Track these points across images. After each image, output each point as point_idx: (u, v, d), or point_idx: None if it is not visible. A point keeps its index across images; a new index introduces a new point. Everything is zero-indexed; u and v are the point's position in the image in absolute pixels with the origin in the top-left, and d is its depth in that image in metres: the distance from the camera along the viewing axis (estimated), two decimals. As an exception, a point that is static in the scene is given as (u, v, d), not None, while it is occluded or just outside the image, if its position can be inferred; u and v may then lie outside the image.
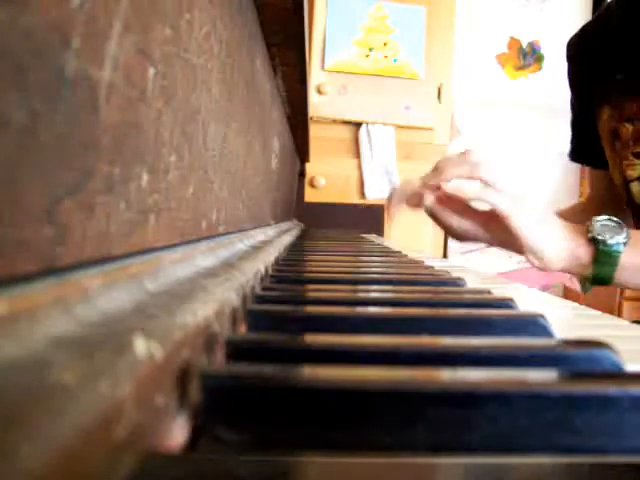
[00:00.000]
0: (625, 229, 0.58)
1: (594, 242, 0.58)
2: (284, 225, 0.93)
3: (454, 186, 0.60)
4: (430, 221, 0.68)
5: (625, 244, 0.57)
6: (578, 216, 0.93)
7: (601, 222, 0.58)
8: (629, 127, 0.79)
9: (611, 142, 0.83)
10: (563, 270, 0.61)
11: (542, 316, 0.24)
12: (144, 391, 0.11)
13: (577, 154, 1.01)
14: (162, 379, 0.13)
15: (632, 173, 0.80)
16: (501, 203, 0.57)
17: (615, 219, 0.59)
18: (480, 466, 0.12)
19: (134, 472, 0.10)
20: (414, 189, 0.62)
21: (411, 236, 1.77)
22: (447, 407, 0.14)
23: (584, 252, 0.58)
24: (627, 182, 0.82)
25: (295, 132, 1.07)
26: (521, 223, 0.57)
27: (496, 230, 0.60)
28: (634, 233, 0.59)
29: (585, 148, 0.98)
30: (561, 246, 0.59)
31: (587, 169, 1.04)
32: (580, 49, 0.93)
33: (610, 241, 0.57)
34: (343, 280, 0.39)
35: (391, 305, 0.30)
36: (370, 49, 1.84)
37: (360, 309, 0.27)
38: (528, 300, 0.43)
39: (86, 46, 0.14)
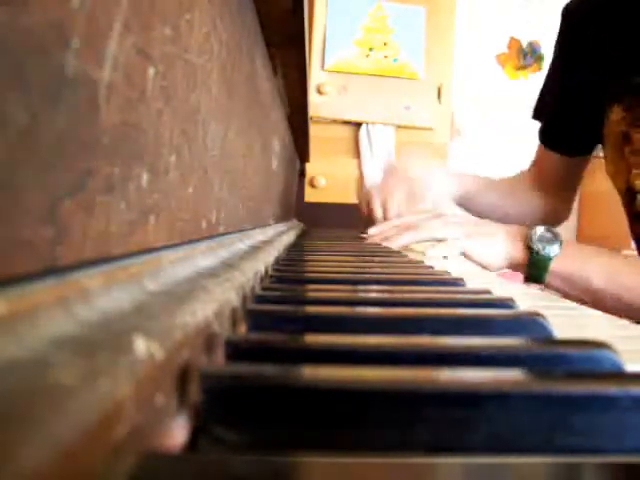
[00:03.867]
0: (559, 241, 0.69)
1: (530, 249, 0.70)
2: (284, 225, 0.93)
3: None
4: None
5: (556, 255, 0.69)
6: (520, 190, 1.01)
7: (539, 233, 0.70)
8: None
9: (620, 146, 0.80)
10: (502, 268, 0.74)
11: (542, 316, 0.24)
12: (144, 391, 0.11)
13: (552, 138, 0.96)
14: (162, 379, 0.13)
15: None
16: (439, 232, 0.74)
17: (553, 230, 0.70)
18: (480, 466, 0.12)
19: (134, 472, 0.10)
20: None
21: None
22: (447, 407, 0.14)
23: (520, 255, 0.71)
24: (633, 193, 0.80)
25: (295, 132, 1.07)
26: (464, 246, 0.72)
27: None
28: (567, 246, 0.69)
29: (562, 133, 0.94)
30: (499, 251, 0.72)
31: (540, 153, 0.99)
32: (585, 23, 0.85)
33: (543, 252, 0.69)
34: (343, 280, 0.39)
35: (391, 305, 0.30)
36: (370, 49, 1.84)
37: (360, 309, 0.27)
38: (528, 300, 0.43)
39: (86, 46, 0.14)
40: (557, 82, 0.95)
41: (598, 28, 0.83)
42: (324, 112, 1.79)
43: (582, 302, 0.71)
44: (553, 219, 1.03)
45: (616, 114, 0.80)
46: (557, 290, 0.72)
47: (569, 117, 0.92)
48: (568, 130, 0.94)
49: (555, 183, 1.00)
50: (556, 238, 0.70)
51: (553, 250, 0.69)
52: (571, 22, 0.90)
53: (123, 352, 0.11)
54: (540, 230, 0.70)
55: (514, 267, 0.73)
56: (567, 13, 0.92)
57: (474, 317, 0.25)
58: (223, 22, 0.32)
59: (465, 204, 1.01)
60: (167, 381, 0.13)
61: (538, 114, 1.00)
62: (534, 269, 0.70)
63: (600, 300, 0.69)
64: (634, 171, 0.79)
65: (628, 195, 0.82)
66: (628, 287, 0.67)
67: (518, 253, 0.71)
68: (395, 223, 0.84)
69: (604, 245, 0.83)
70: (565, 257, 0.69)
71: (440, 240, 0.74)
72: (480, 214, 1.02)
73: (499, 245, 0.72)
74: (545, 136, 0.98)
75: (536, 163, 1.02)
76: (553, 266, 0.69)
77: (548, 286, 0.72)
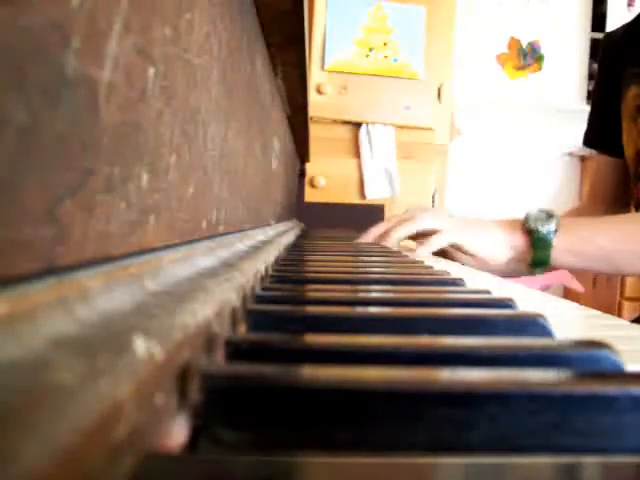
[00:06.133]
0: (555, 218, 0.70)
1: (529, 232, 0.70)
2: (284, 225, 0.93)
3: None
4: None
5: (556, 231, 0.70)
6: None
7: (534, 215, 0.71)
8: None
9: (633, 116, 0.88)
10: (509, 261, 0.74)
11: (542, 316, 0.24)
12: (144, 391, 0.11)
13: (593, 138, 1.03)
14: (162, 379, 0.13)
15: None
16: (438, 225, 0.73)
17: (545, 209, 0.71)
18: (480, 466, 0.12)
19: (134, 472, 0.10)
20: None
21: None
22: (447, 407, 0.14)
23: (521, 242, 0.71)
24: None
25: (295, 132, 1.07)
26: (458, 238, 0.72)
27: (450, 258, 0.76)
28: (564, 221, 0.71)
29: (603, 132, 1.00)
30: (500, 242, 0.72)
31: (592, 166, 1.06)
32: (619, 40, 0.97)
33: (542, 229, 0.70)
34: (343, 280, 0.39)
35: (391, 305, 0.30)
36: (370, 49, 1.84)
37: (360, 309, 0.27)
38: (528, 300, 0.43)
39: (86, 46, 0.14)
40: (597, 94, 1.03)
41: (625, 39, 0.95)
42: (324, 112, 1.79)
43: (599, 273, 0.74)
44: None
45: (632, 91, 0.89)
46: (568, 267, 0.73)
47: (606, 117, 0.98)
48: (608, 129, 0.98)
49: (611, 196, 1.02)
50: (551, 215, 0.71)
51: (551, 226, 0.70)
52: (608, 44, 1.01)
53: (123, 352, 0.11)
54: (533, 211, 0.72)
55: (518, 256, 0.73)
56: (605, 40, 1.03)
57: (474, 317, 0.25)
58: (223, 22, 0.32)
59: None
60: (167, 381, 0.13)
61: (588, 141, 1.06)
62: (539, 250, 0.70)
63: (615, 259, 0.70)
64: None
65: (637, 159, 0.88)
66: (636, 236, 0.69)
67: (519, 239, 0.72)
68: (386, 223, 0.83)
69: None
70: (566, 231, 0.70)
71: (431, 233, 0.74)
72: None
73: (498, 237, 0.72)
74: (595, 140, 1.03)
75: (592, 184, 1.06)
76: (557, 242, 0.70)
77: (558, 265, 0.72)
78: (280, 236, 0.65)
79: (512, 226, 0.73)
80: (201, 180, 0.29)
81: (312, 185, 1.79)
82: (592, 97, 1.07)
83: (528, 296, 0.45)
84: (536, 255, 0.70)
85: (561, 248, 0.70)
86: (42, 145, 0.12)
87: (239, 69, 0.40)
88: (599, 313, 0.37)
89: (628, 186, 1.01)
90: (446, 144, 1.91)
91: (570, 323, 0.35)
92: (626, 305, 2.05)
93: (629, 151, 0.90)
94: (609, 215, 1.00)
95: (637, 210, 0.90)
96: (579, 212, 1.05)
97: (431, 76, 1.86)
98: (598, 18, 2.50)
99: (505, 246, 0.72)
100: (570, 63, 2.50)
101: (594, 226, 0.72)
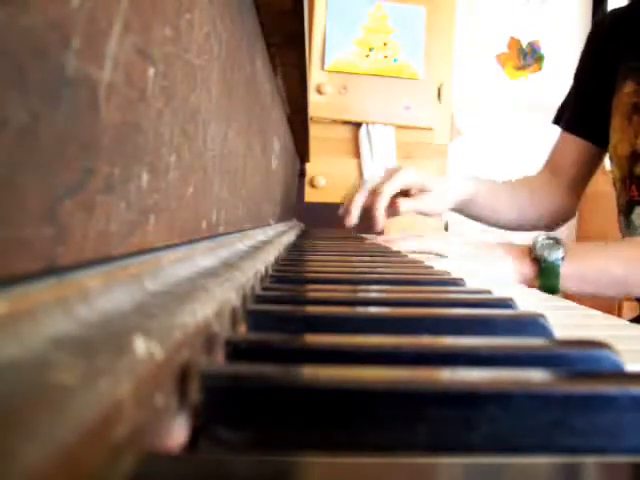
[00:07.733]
0: (562, 245, 0.70)
1: (536, 260, 0.70)
2: (284, 225, 0.93)
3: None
4: (430, 223, 0.86)
5: (563, 258, 0.69)
6: (536, 187, 1.03)
7: (541, 242, 0.71)
8: None
9: (629, 115, 0.87)
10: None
11: (542, 316, 0.24)
12: (144, 391, 0.11)
13: (572, 122, 1.03)
14: (162, 379, 0.13)
15: None
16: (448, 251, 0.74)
17: (553, 236, 0.71)
18: (480, 466, 0.12)
19: (134, 472, 0.10)
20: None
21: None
22: (447, 407, 0.14)
23: (529, 269, 0.71)
24: (638, 155, 0.87)
25: (295, 132, 1.07)
26: (463, 264, 0.71)
27: None
28: (571, 247, 0.71)
29: (587, 120, 1.00)
30: (508, 271, 0.71)
31: (562, 142, 1.05)
32: (610, 27, 0.96)
33: (550, 258, 0.69)
34: (343, 280, 0.39)
35: (391, 305, 0.30)
36: (370, 49, 1.84)
37: (360, 309, 0.27)
38: (528, 300, 0.43)
39: (86, 46, 0.14)
40: (582, 76, 1.02)
41: (619, 28, 0.94)
42: (324, 112, 1.79)
43: (606, 298, 0.73)
44: (563, 215, 1.06)
45: (629, 87, 0.88)
46: (581, 294, 0.72)
47: (592, 106, 0.98)
48: (591, 112, 0.99)
49: (570, 175, 1.02)
50: (558, 242, 0.70)
51: (558, 254, 0.69)
52: (597, 30, 1.00)
53: (123, 352, 0.11)
54: (540, 239, 0.71)
55: (526, 284, 0.72)
56: (594, 25, 1.03)
57: (474, 317, 0.25)
58: (223, 22, 0.32)
59: (469, 208, 1.01)
60: (167, 381, 0.13)
61: (559, 120, 1.06)
62: (546, 278, 0.70)
63: (628, 285, 0.69)
64: None
65: (632, 159, 0.88)
66: None
67: (527, 268, 0.71)
68: (394, 236, 0.86)
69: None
70: (573, 258, 0.70)
71: (440, 256, 0.75)
72: (484, 217, 1.03)
73: (505, 265, 0.72)
74: (570, 121, 1.03)
75: (553, 158, 1.06)
76: (564, 270, 0.69)
77: (570, 293, 0.71)
78: (280, 236, 0.65)
79: (518, 253, 0.72)
80: (201, 180, 0.29)
81: (312, 185, 1.79)
82: (575, 81, 1.04)
83: (528, 296, 0.45)
84: (544, 283, 0.70)
85: (570, 276, 0.69)
86: (42, 145, 0.12)
87: (239, 69, 0.40)
88: (599, 313, 0.37)
89: (590, 169, 1.02)
90: (446, 144, 1.91)
91: (570, 323, 0.35)
92: (626, 305, 2.04)
93: (621, 150, 0.89)
94: (565, 186, 1.02)
95: (630, 210, 0.90)
96: (534, 181, 1.05)
97: (431, 76, 1.86)
98: (598, 18, 2.50)
99: (513, 275, 0.72)
100: (570, 63, 2.50)
101: (604, 253, 0.72)
